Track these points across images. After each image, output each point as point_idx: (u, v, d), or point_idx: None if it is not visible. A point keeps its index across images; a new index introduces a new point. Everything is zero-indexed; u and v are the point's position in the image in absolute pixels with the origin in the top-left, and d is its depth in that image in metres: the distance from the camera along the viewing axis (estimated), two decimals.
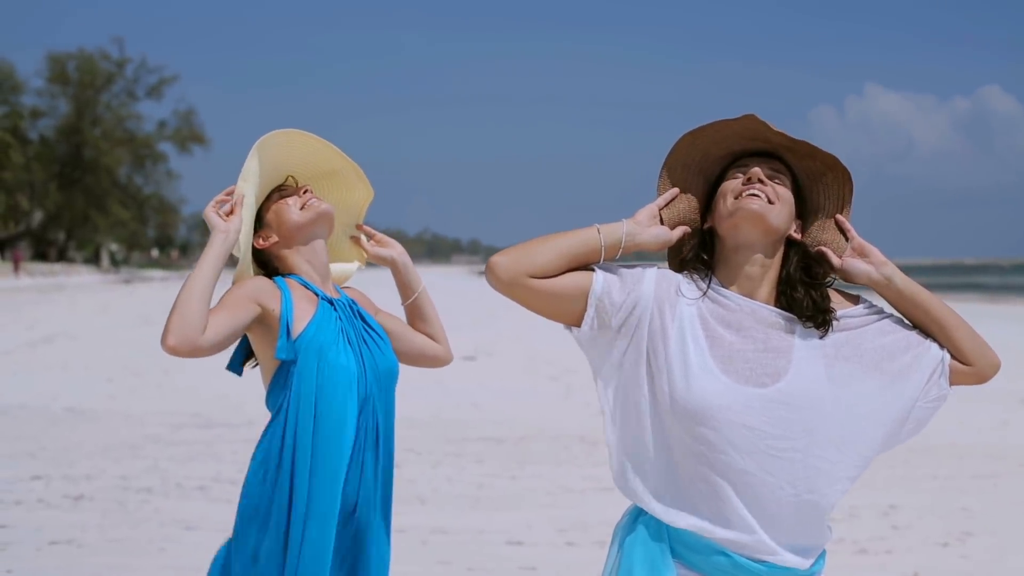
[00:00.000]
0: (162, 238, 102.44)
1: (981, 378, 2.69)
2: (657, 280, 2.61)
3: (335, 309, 3.17)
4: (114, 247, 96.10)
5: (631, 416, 2.59)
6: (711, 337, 2.56)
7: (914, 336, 2.65)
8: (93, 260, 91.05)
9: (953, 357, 2.66)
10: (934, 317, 2.65)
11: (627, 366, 2.58)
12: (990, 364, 2.68)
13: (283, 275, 3.21)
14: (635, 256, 2.69)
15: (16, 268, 59.72)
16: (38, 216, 79.35)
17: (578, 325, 2.60)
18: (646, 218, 2.66)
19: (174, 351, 2.88)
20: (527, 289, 2.56)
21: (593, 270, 2.60)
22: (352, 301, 3.27)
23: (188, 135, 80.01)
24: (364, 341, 3.19)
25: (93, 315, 30.66)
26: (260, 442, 3.13)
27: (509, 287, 2.56)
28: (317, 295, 3.17)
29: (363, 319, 3.24)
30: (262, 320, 3.08)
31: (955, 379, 2.67)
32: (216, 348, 2.95)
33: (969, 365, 2.66)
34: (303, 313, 3.10)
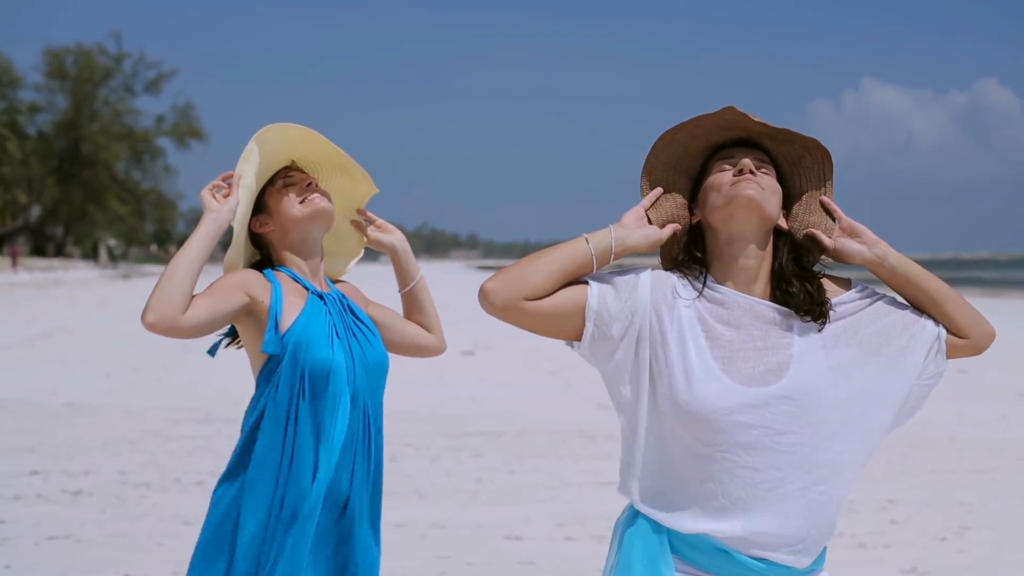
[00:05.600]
0: (160, 233, 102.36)
1: (978, 349, 2.69)
2: (652, 284, 2.58)
3: (325, 303, 3.16)
4: (112, 242, 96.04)
5: (636, 420, 2.58)
6: (711, 338, 2.54)
7: (909, 315, 2.64)
8: (91, 255, 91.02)
9: (949, 331, 2.65)
10: (928, 293, 2.64)
11: (630, 372, 2.57)
12: (985, 334, 2.68)
13: (273, 267, 3.20)
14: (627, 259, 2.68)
15: (14, 263, 59.62)
16: (36, 211, 79.27)
17: (579, 340, 2.58)
18: (633, 220, 2.63)
19: (153, 328, 2.86)
20: (523, 312, 2.54)
21: (586, 283, 2.58)
22: (342, 295, 3.25)
23: (186, 130, 79.80)
24: (354, 335, 3.17)
25: (91, 310, 30.64)
26: (242, 434, 3.09)
27: (504, 312, 2.54)
28: (307, 289, 3.16)
29: (353, 313, 3.22)
30: (251, 312, 3.06)
31: (952, 353, 2.66)
32: (196, 331, 2.92)
33: (965, 338, 2.66)
34: (292, 307, 3.08)
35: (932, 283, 2.65)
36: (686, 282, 2.61)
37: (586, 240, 2.58)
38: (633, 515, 2.62)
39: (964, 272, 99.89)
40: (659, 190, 2.68)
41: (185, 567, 6.06)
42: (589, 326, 2.55)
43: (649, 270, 2.62)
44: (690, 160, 2.69)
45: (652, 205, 2.67)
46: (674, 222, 2.67)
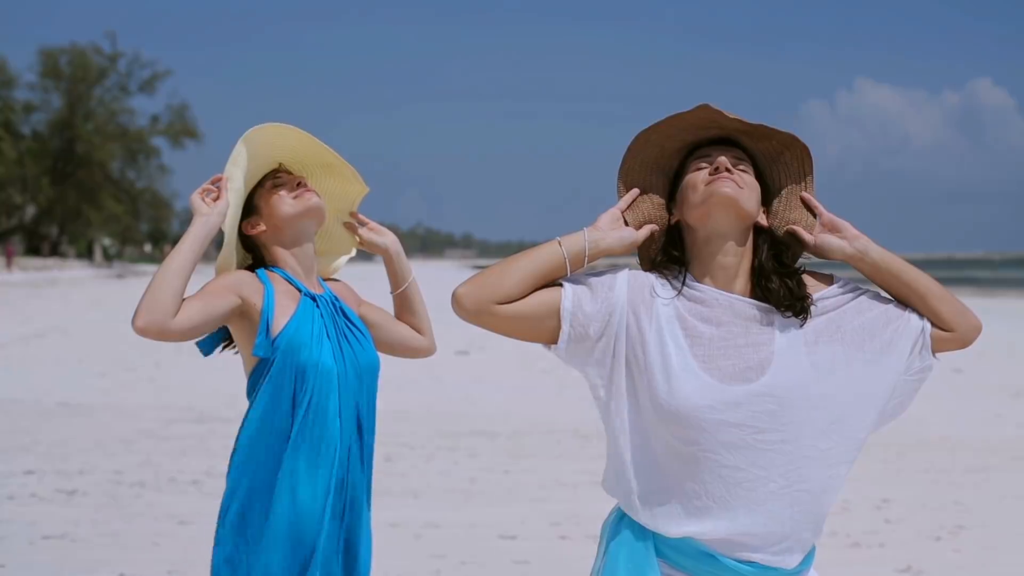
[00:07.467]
0: (155, 232, 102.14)
1: (964, 343, 2.64)
2: (629, 284, 2.56)
3: (317, 306, 3.15)
4: (107, 242, 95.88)
5: (617, 421, 2.56)
6: (691, 336, 2.52)
7: (892, 309, 2.61)
8: (86, 255, 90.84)
9: (934, 325, 2.62)
10: (912, 286, 2.61)
11: (609, 373, 2.55)
12: (971, 327, 2.64)
13: (266, 267, 3.20)
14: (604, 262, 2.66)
15: (9, 263, 59.56)
16: (31, 211, 79.21)
17: (554, 342, 2.55)
18: (608, 223, 2.61)
19: (143, 332, 2.86)
20: (494, 316, 2.51)
21: (561, 285, 2.56)
22: (335, 297, 3.25)
23: (181, 129, 79.73)
24: (345, 338, 3.17)
25: (86, 309, 30.60)
26: (237, 437, 3.11)
27: (476, 316, 2.51)
28: (300, 290, 3.15)
29: (345, 315, 3.22)
30: (243, 313, 3.05)
31: (938, 347, 2.62)
32: (187, 334, 2.92)
33: (951, 331, 2.62)
34: (284, 309, 3.08)
35: (915, 277, 2.62)
36: (664, 281, 2.59)
37: (559, 243, 2.57)
38: (619, 517, 2.61)
39: (958, 272, 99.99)
40: (635, 191, 2.66)
41: (180, 566, 6.07)
42: (565, 327, 2.53)
43: (626, 270, 2.60)
44: (667, 160, 2.67)
45: (629, 207, 2.65)
46: (652, 223, 2.65)
